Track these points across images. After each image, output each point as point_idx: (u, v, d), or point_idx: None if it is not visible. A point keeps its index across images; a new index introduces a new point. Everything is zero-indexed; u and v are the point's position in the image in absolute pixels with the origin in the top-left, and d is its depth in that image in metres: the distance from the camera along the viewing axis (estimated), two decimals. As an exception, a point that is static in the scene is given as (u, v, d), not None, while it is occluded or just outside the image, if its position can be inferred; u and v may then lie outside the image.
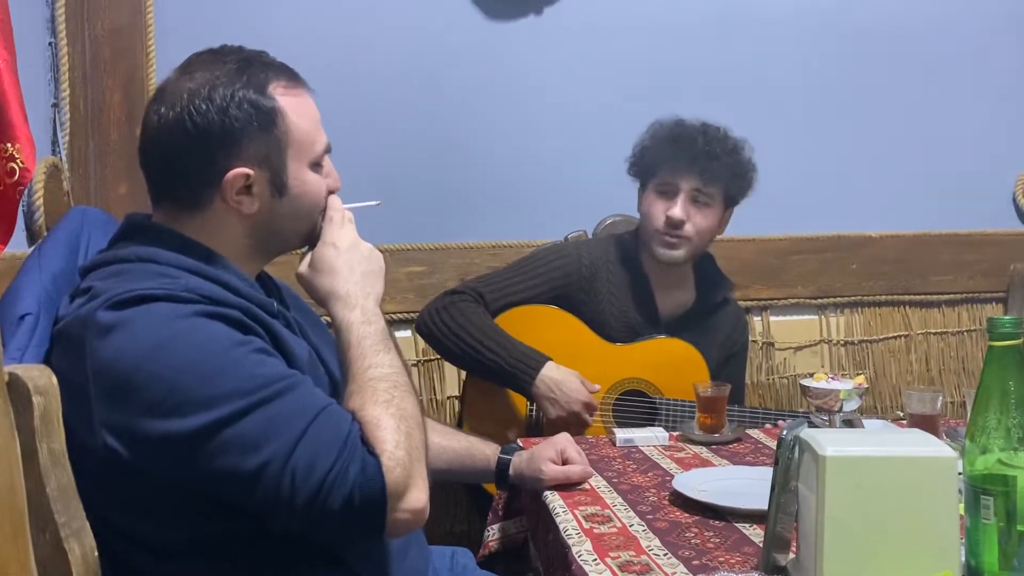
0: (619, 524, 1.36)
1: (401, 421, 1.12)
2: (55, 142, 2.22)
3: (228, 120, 1.18)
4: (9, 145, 1.61)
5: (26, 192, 1.77)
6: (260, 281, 1.31)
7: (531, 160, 2.58)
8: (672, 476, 1.56)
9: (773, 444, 1.36)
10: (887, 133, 2.74)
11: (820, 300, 2.75)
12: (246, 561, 1.14)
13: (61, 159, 2.20)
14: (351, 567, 1.18)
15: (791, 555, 1.14)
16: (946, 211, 2.78)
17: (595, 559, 1.23)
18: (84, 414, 1.06)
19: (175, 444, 1.05)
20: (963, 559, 1.05)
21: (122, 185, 2.29)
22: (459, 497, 2.47)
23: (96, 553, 0.98)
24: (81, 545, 0.96)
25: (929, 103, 2.75)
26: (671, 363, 2.11)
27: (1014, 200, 2.84)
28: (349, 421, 1.10)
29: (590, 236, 2.44)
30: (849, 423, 1.63)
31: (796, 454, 1.10)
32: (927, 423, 1.63)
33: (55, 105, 2.22)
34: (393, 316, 2.46)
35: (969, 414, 1.10)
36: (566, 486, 1.54)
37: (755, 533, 1.31)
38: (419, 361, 2.53)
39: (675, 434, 1.87)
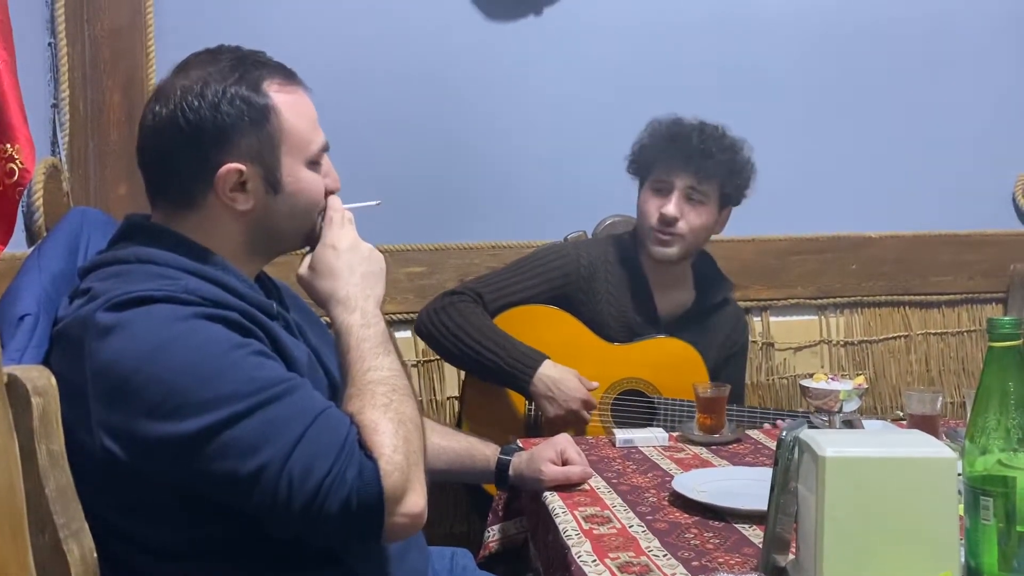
0: (619, 525, 1.36)
1: (399, 425, 1.12)
2: (55, 143, 2.22)
3: (220, 116, 1.18)
4: (9, 146, 1.61)
5: (26, 192, 1.77)
6: (260, 282, 1.31)
7: (531, 160, 2.58)
8: (672, 477, 1.56)
9: (773, 444, 1.36)
10: (887, 133, 2.74)
11: (820, 300, 2.76)
12: (245, 562, 1.14)
13: (61, 160, 2.19)
14: (351, 568, 1.18)
15: (791, 556, 1.14)
16: (946, 211, 2.78)
17: (595, 560, 1.23)
18: (83, 415, 1.06)
19: (173, 446, 1.05)
20: (963, 560, 1.05)
21: (122, 186, 2.29)
22: (459, 498, 2.46)
23: (95, 554, 0.98)
24: (80, 546, 0.96)
25: (929, 103, 2.75)
26: (670, 363, 2.11)
27: (1014, 200, 2.84)
28: (347, 424, 1.10)
29: (590, 236, 2.44)
30: (849, 424, 1.63)
31: (796, 455, 1.09)
32: (927, 424, 1.62)
33: (55, 105, 2.22)
34: (393, 317, 2.46)
35: (969, 415, 1.10)
36: (566, 487, 1.54)
37: (755, 534, 1.31)
38: (419, 362, 2.53)
39: (675, 435, 1.87)
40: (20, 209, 1.75)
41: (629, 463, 1.69)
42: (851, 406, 1.66)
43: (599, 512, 1.42)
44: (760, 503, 1.20)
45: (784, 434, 1.12)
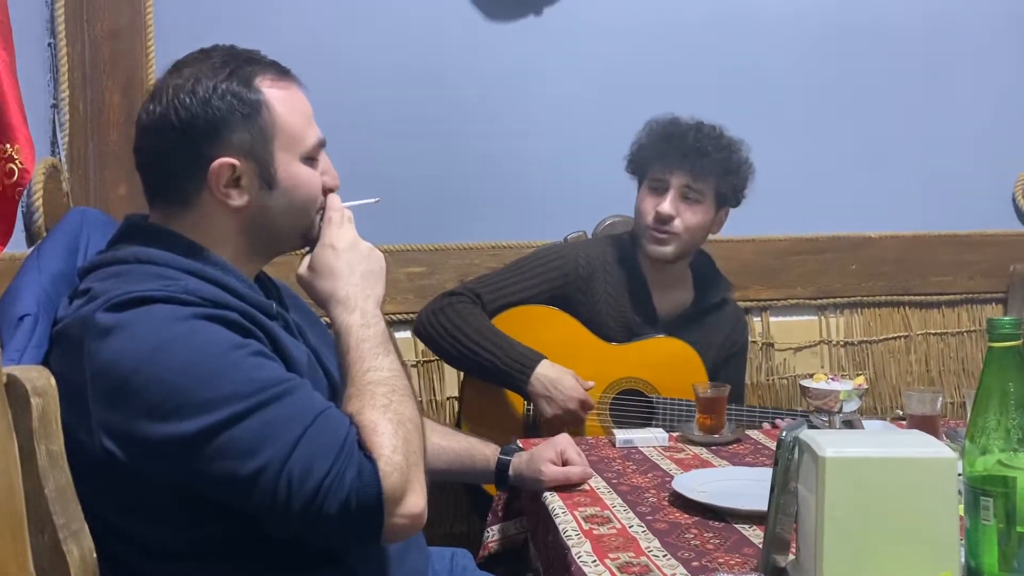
0: (619, 525, 1.36)
1: (399, 426, 1.12)
2: (54, 143, 2.22)
3: (211, 111, 1.18)
4: (8, 146, 1.61)
5: (25, 193, 1.76)
6: (259, 282, 1.31)
7: (531, 160, 2.58)
8: (672, 477, 1.56)
9: (773, 445, 1.36)
10: (887, 133, 2.74)
11: (820, 301, 2.76)
12: (245, 562, 1.14)
13: (60, 160, 2.19)
14: (351, 569, 1.18)
15: (791, 556, 1.14)
16: (946, 211, 2.78)
17: (594, 560, 1.23)
18: (83, 415, 1.06)
19: (173, 446, 1.05)
20: (963, 560, 1.05)
21: (121, 186, 2.29)
22: (459, 498, 2.46)
23: (95, 554, 0.98)
24: (80, 546, 0.96)
25: (929, 103, 2.75)
26: (668, 363, 2.11)
27: (1014, 200, 2.84)
28: (347, 425, 1.10)
29: (589, 236, 2.44)
30: (849, 424, 1.63)
31: (796, 455, 1.09)
32: (927, 424, 1.62)
33: (54, 106, 2.22)
34: (393, 317, 2.46)
35: (969, 415, 1.10)
36: (566, 487, 1.54)
37: (755, 534, 1.31)
38: (418, 362, 2.53)
39: (675, 435, 1.87)
40: (20, 209, 1.74)
41: (629, 463, 1.69)
42: (851, 406, 1.66)
43: (599, 512, 1.42)
44: (760, 503, 1.20)
45: (784, 434, 1.12)
